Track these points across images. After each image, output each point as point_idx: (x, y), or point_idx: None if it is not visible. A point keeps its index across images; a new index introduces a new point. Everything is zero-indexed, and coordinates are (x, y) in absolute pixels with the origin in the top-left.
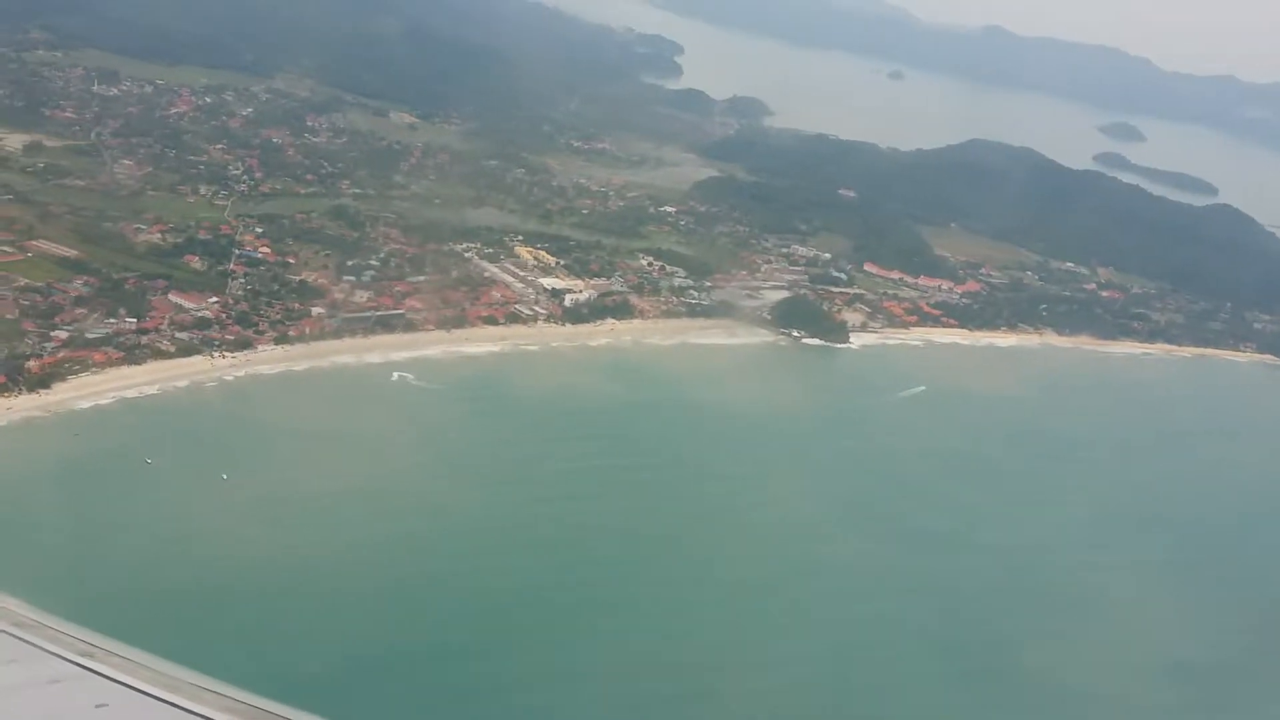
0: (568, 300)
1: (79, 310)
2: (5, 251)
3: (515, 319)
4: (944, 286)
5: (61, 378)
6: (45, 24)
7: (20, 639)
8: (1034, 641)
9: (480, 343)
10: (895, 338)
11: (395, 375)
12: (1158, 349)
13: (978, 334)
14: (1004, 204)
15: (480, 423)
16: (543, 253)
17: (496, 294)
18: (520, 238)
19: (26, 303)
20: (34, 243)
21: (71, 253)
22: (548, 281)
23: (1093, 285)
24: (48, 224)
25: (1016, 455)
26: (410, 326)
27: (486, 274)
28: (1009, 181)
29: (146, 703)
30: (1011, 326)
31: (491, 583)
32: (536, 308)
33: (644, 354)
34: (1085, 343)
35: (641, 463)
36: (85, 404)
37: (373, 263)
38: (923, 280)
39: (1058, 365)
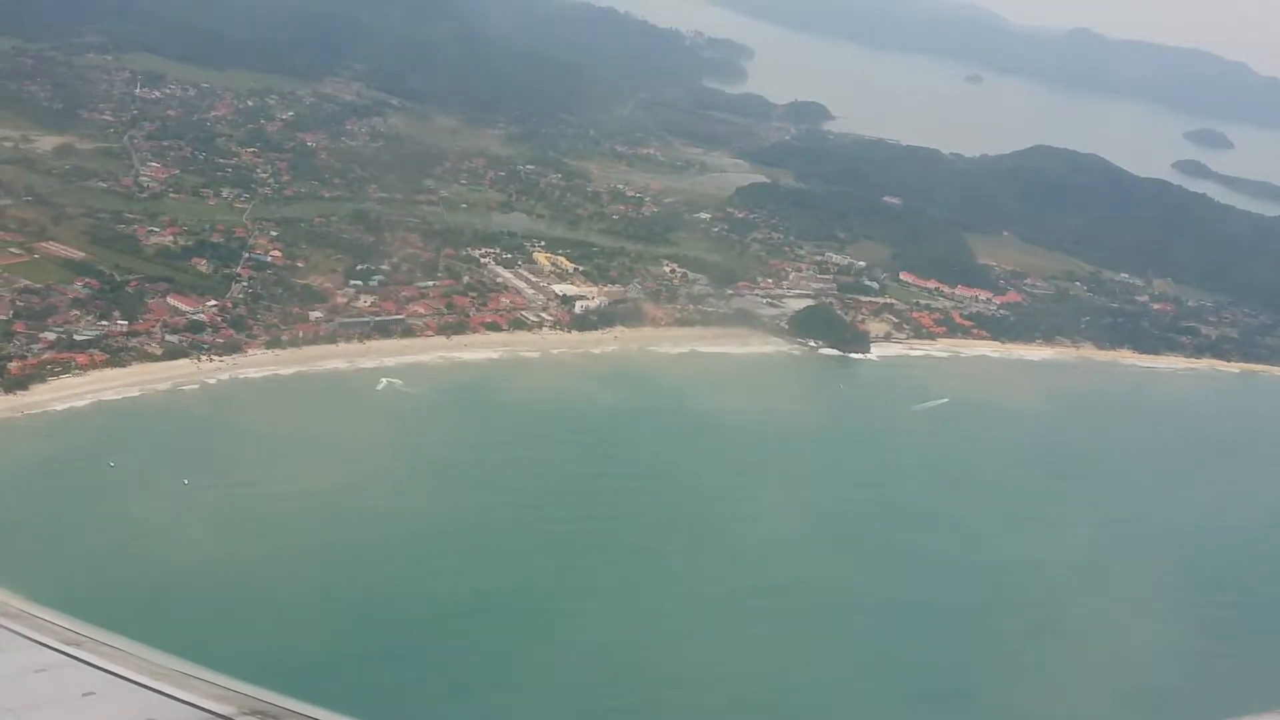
0: (578, 307)
1: (73, 312)
2: (12, 252)
3: (520, 325)
4: (981, 297)
5: (42, 379)
6: (102, 28)
7: (6, 628)
8: (1003, 664)
9: (479, 349)
10: (919, 349)
11: (383, 381)
12: (1204, 364)
13: (1009, 346)
14: (1062, 212)
15: (460, 429)
16: (562, 259)
17: (505, 300)
18: (543, 243)
19: (22, 304)
20: (43, 244)
21: (79, 254)
22: (560, 288)
23: (1144, 297)
24: (60, 225)
25: (1027, 472)
26: (409, 332)
27: (499, 280)
28: (1069, 190)
29: (133, 690)
30: (1048, 339)
31: (440, 590)
32: (543, 314)
33: (647, 362)
34: (1125, 356)
35: (623, 472)
36: (60, 406)
37: (384, 267)
38: (960, 290)
39: (1089, 380)
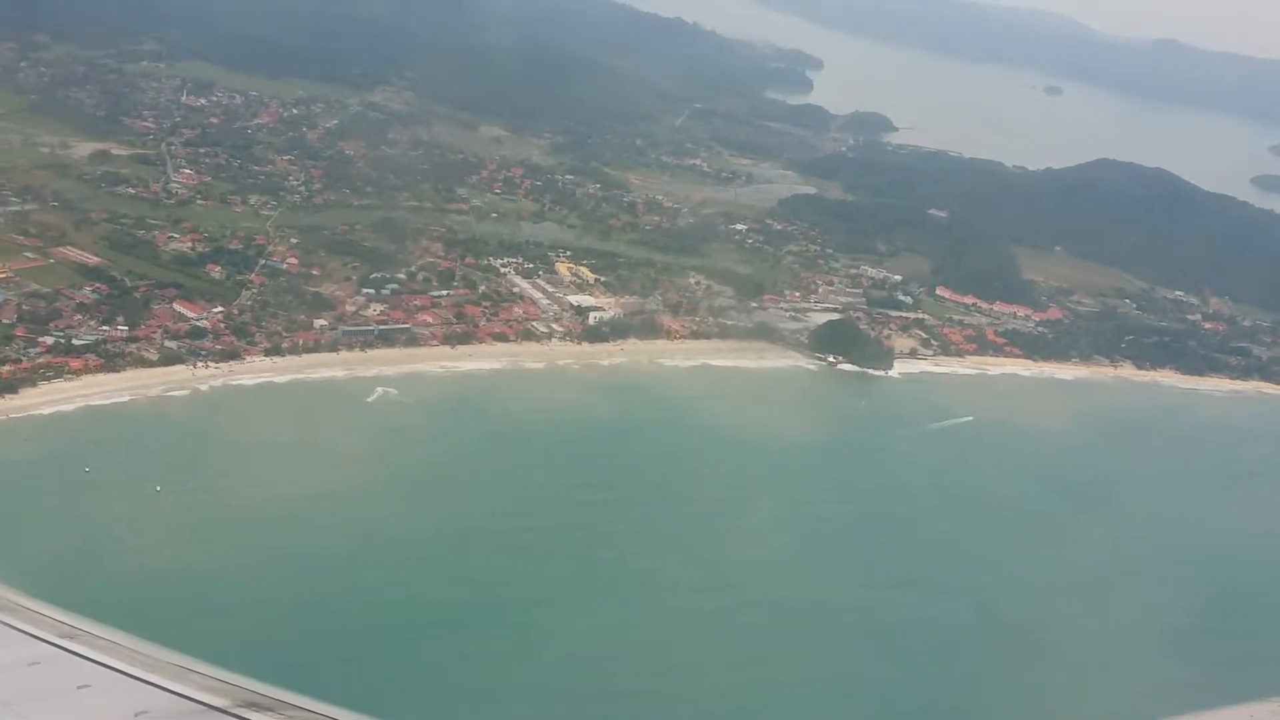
0: (591, 318)
1: (77, 317)
2: (27, 256)
3: (529, 336)
4: (1020, 313)
5: (33, 383)
6: (160, 36)
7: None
8: (974, 688)
9: (482, 359)
10: (946, 366)
11: (379, 390)
12: (1250, 387)
13: (1042, 365)
14: (1120, 227)
15: (447, 439)
16: (583, 269)
17: (518, 310)
18: (568, 253)
19: (28, 308)
20: (60, 249)
21: (95, 260)
22: (576, 299)
23: (1196, 316)
24: (81, 231)
25: (1040, 493)
26: (413, 341)
27: (515, 289)
28: (1130, 204)
29: (127, 682)
30: (1085, 358)
31: (401, 599)
32: (554, 325)
33: (655, 374)
34: (1166, 377)
35: (613, 484)
36: (47, 410)
37: (399, 276)
38: (998, 306)
39: (1122, 400)
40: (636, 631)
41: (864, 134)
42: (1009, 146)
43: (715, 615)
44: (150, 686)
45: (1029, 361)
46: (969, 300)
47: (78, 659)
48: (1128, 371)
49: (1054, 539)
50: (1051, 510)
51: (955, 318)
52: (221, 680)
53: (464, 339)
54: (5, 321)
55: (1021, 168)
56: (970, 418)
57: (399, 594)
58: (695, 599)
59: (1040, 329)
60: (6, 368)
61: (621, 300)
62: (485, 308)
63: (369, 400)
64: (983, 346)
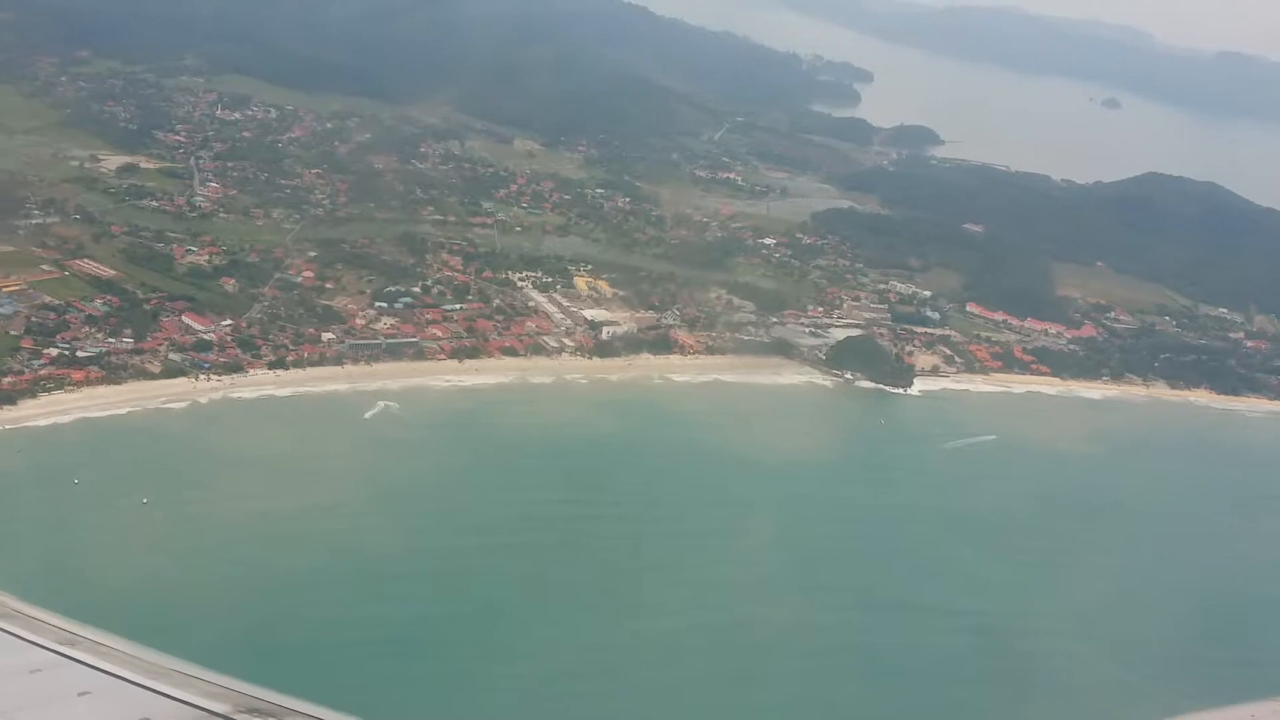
0: (604, 333)
1: (85, 329)
2: (44, 269)
3: (538, 351)
4: (1052, 330)
5: (33, 395)
6: (202, 51)
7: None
8: (962, 714)
9: (489, 374)
10: (968, 384)
11: (380, 404)
12: None
13: (1070, 383)
14: (1166, 243)
15: (440, 455)
16: (602, 283)
17: (531, 324)
18: (589, 267)
19: (37, 320)
20: (77, 262)
21: (110, 272)
22: (590, 313)
23: (1239, 334)
24: (100, 244)
25: (1048, 517)
26: (420, 355)
27: (530, 303)
28: (1178, 219)
29: (129, 689)
30: (1116, 376)
31: (368, 616)
32: (565, 340)
33: (663, 390)
34: (1200, 396)
35: (603, 501)
36: (44, 421)
37: (414, 290)
38: (1029, 323)
39: (1149, 420)
40: (607, 652)
41: (908, 147)
42: (1060, 160)
43: (691, 634)
44: (151, 692)
45: (1056, 380)
46: (1000, 317)
47: (78, 665)
48: (1160, 390)
49: (1057, 562)
50: (1058, 533)
51: (984, 334)
52: (224, 686)
53: (472, 353)
54: (13, 333)
55: (1069, 182)
56: (993, 436)
57: (364, 610)
58: (673, 619)
59: (1072, 346)
60: (8, 379)
61: (636, 315)
62: (498, 322)
63: (368, 414)
64: (1009, 364)
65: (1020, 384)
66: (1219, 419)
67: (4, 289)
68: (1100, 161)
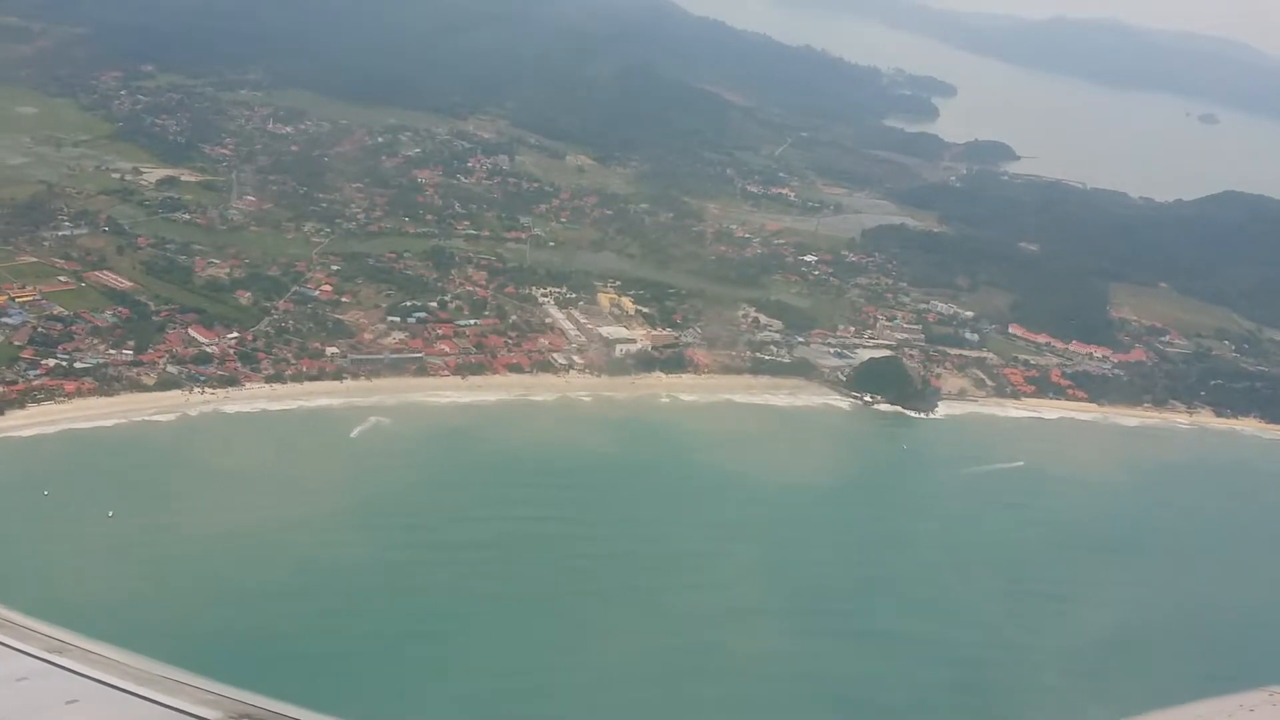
0: (618, 350)
1: (90, 340)
2: (60, 280)
3: (546, 368)
4: (1097, 354)
5: (22, 405)
6: (267, 66)
7: None
8: None
9: (491, 390)
10: (997, 408)
11: (371, 420)
12: None
13: (1107, 410)
14: (1236, 264)
15: (422, 472)
16: (625, 300)
17: (544, 341)
18: (617, 283)
19: (42, 330)
20: (96, 273)
21: (126, 284)
22: (606, 330)
23: None
24: (123, 255)
25: (1058, 548)
26: (423, 370)
27: (547, 320)
28: (1250, 239)
29: (117, 696)
30: (1159, 403)
31: (316, 628)
32: (575, 357)
33: (668, 410)
34: (1248, 426)
35: (584, 523)
36: (27, 432)
37: (431, 304)
38: (1074, 346)
39: (1189, 450)
40: (548, 674)
41: (980, 163)
42: (1145, 177)
43: (649, 663)
44: (141, 699)
45: (1093, 406)
46: (1043, 339)
47: (67, 673)
48: (1205, 418)
49: (1061, 595)
50: (1067, 564)
51: (1022, 357)
52: (214, 692)
53: (477, 369)
54: (16, 343)
55: (1148, 199)
56: (1021, 462)
57: (322, 623)
58: (632, 646)
59: (1116, 371)
60: (0, 389)
61: (653, 333)
62: (510, 338)
63: (357, 429)
64: (1043, 389)
65: (1053, 409)
66: (1265, 450)
67: (18, 299)
68: (1188, 179)
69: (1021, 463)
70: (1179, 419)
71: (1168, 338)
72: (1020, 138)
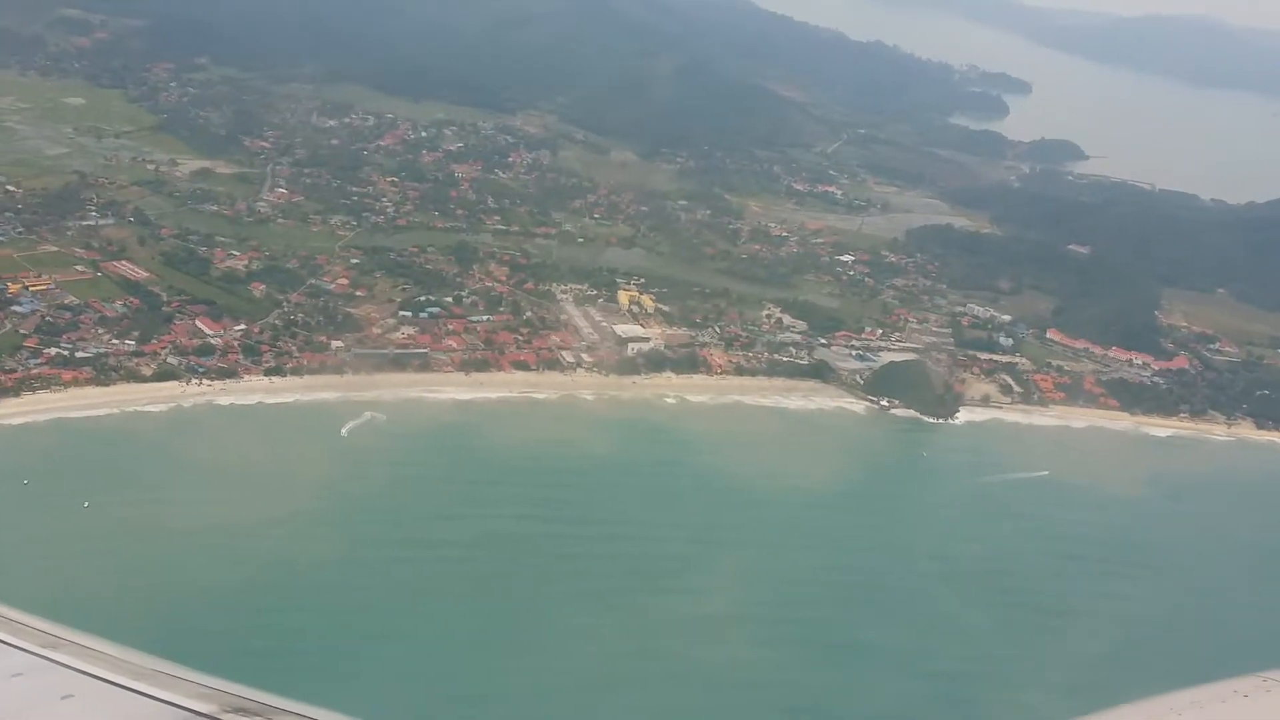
0: (630, 349)
1: (96, 330)
2: (78, 270)
3: (553, 365)
4: (1137, 361)
5: (17, 394)
6: (322, 60)
7: None
8: None
9: (493, 388)
10: (1022, 415)
11: (365, 415)
12: None
13: (1140, 419)
14: None
15: (408, 469)
16: (645, 298)
17: (555, 338)
18: (641, 280)
19: (50, 319)
20: (114, 264)
21: (143, 274)
22: (622, 328)
23: None
24: (144, 246)
25: (1060, 562)
26: (427, 366)
27: (563, 317)
28: None
29: (113, 691)
30: (1196, 413)
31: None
32: (584, 355)
33: (672, 411)
34: None
35: (568, 521)
36: (19, 420)
37: (446, 299)
38: (1114, 352)
39: (1218, 463)
40: (504, 675)
41: (1045, 162)
42: (1217, 179)
43: (604, 664)
44: (136, 694)
45: (1125, 415)
46: (1081, 345)
47: (62, 668)
48: (1245, 430)
49: (1058, 609)
50: (1066, 581)
51: (1056, 363)
52: (209, 686)
53: (482, 366)
54: (22, 331)
55: (1220, 201)
56: (1046, 472)
57: (276, 620)
58: (590, 653)
59: (1155, 379)
60: None
61: (668, 332)
62: (521, 335)
63: (349, 424)
64: (1073, 396)
65: (1081, 418)
66: None
67: (32, 287)
68: (1265, 180)
69: (1046, 472)
70: (1216, 430)
71: (1217, 345)
72: (1092, 137)
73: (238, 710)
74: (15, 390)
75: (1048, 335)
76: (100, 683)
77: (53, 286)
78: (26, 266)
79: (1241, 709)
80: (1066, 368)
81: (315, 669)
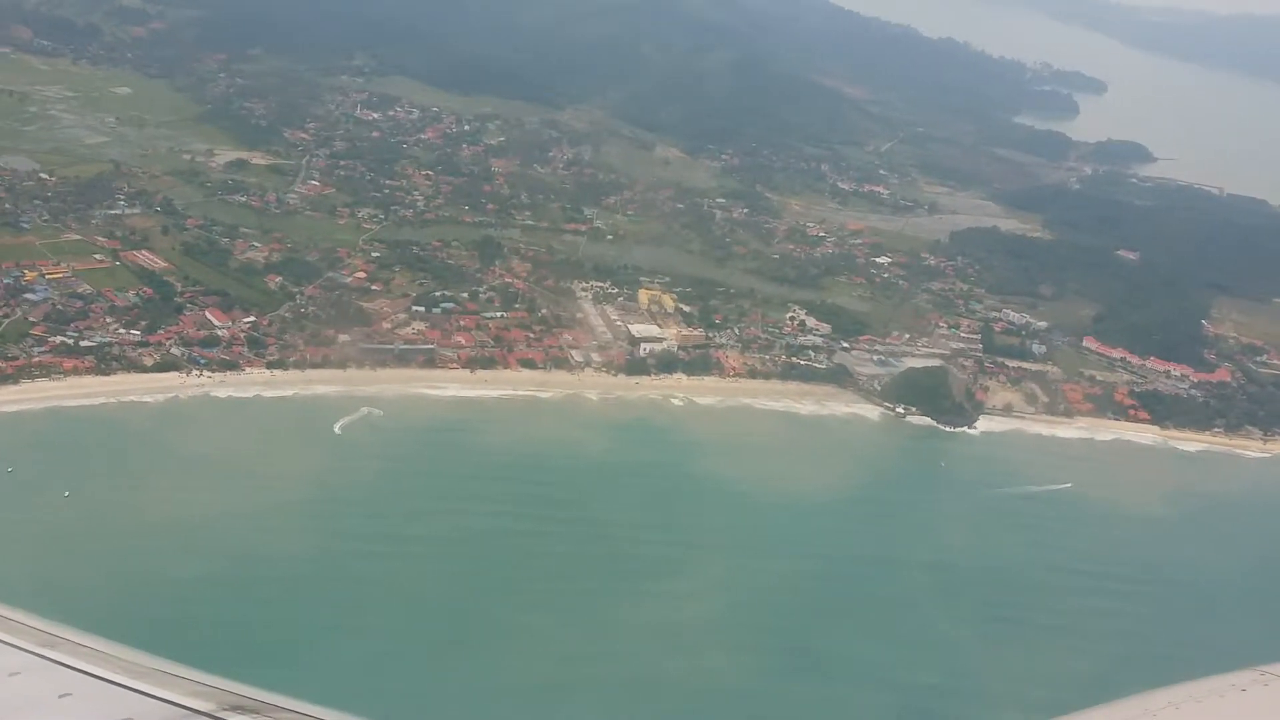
0: (642, 349)
1: (105, 319)
2: (96, 259)
3: (561, 364)
4: (1175, 372)
5: (16, 381)
6: (374, 52)
7: None
8: None
9: (496, 386)
10: (1043, 427)
11: (362, 410)
12: None
13: (1170, 433)
14: None
15: (398, 465)
16: (667, 297)
17: (567, 336)
18: (666, 279)
19: (61, 307)
20: (133, 253)
21: (161, 264)
22: (636, 328)
23: None
24: (167, 236)
25: (1059, 578)
26: (432, 362)
27: (579, 315)
28: None
29: (110, 690)
30: (1233, 428)
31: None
32: (593, 355)
33: (676, 413)
34: None
35: (545, 525)
36: (13, 408)
37: (461, 295)
38: (1151, 363)
39: (1248, 480)
40: (472, 679)
41: (1110, 164)
42: None
43: (552, 670)
44: (133, 692)
45: (1154, 428)
46: (1118, 354)
47: (59, 667)
48: None
49: (1055, 625)
50: (1061, 599)
51: (1089, 373)
52: (207, 684)
53: (488, 363)
54: (31, 319)
55: None
56: (1069, 484)
57: (232, 612)
58: (547, 650)
59: (1193, 392)
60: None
61: (684, 332)
62: (534, 332)
63: (344, 419)
64: (1102, 407)
65: (1108, 430)
66: None
67: (48, 275)
68: None
69: (1069, 484)
70: (1250, 446)
71: (1264, 358)
72: (1163, 138)
73: (235, 708)
74: (15, 378)
75: (1084, 343)
76: (98, 681)
77: (69, 274)
78: (46, 254)
79: (1239, 703)
80: (1099, 377)
81: (269, 658)
